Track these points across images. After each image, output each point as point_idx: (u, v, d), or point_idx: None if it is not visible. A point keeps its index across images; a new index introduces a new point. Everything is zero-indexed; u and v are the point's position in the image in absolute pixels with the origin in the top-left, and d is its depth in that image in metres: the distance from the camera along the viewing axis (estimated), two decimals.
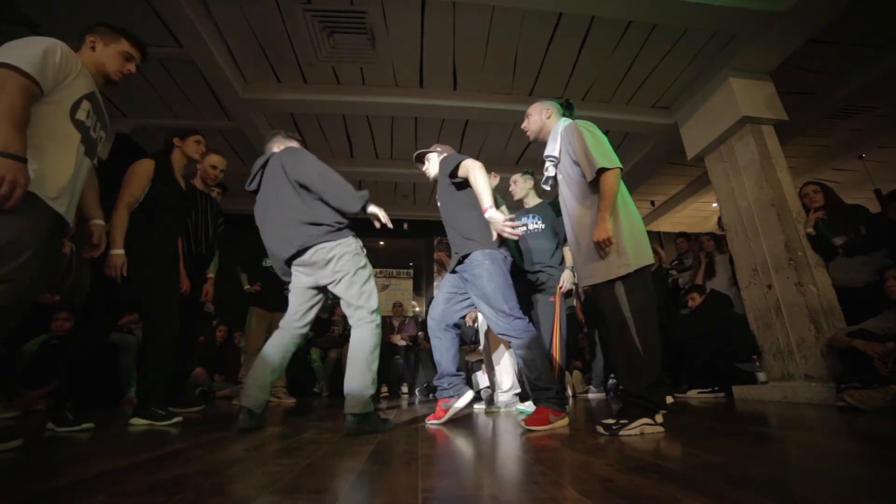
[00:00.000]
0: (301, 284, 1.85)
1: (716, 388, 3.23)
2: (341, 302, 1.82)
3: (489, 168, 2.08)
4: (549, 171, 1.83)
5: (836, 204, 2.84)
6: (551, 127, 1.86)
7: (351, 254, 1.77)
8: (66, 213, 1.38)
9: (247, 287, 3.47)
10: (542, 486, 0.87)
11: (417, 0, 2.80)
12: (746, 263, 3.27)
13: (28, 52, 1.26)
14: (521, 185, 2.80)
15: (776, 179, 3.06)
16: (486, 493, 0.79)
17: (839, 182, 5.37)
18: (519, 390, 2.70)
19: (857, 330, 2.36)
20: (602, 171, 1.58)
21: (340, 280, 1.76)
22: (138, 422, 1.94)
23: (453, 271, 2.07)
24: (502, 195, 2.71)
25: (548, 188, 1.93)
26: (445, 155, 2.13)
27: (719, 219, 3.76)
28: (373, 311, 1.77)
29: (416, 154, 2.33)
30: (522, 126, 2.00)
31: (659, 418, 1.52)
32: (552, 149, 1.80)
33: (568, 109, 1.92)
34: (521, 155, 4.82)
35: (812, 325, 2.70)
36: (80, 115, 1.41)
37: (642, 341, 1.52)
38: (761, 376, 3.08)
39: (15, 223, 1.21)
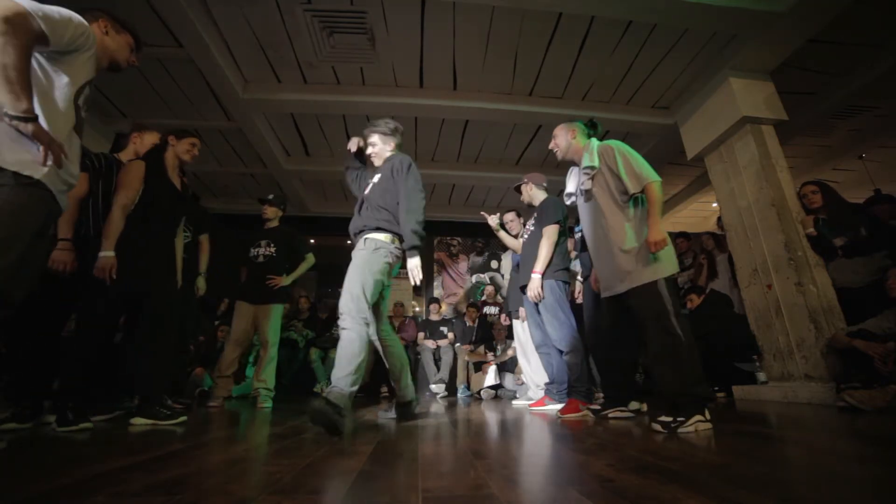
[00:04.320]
0: None
1: (716, 388, 3.23)
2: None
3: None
4: (586, 183, 1.95)
5: (836, 203, 2.83)
6: (578, 145, 2.02)
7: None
8: (61, 200, 1.32)
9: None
10: (542, 486, 0.87)
11: (417, 0, 2.80)
12: (746, 263, 3.26)
13: (54, 8, 1.18)
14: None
15: (776, 179, 3.06)
16: (485, 493, 0.79)
17: (839, 182, 5.35)
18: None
19: (857, 330, 2.36)
20: (648, 184, 1.77)
21: None
22: (140, 421, 1.94)
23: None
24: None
25: (571, 201, 2.13)
26: (547, 202, 2.67)
27: (719, 218, 3.76)
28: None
29: (515, 187, 2.92)
30: (550, 146, 2.16)
31: (707, 414, 1.55)
32: (590, 160, 1.92)
33: (593, 129, 2.08)
34: (521, 155, 4.82)
35: (812, 325, 2.70)
36: (81, 99, 1.35)
37: (685, 334, 1.61)
38: (761, 376, 3.08)
39: (19, 216, 1.14)
